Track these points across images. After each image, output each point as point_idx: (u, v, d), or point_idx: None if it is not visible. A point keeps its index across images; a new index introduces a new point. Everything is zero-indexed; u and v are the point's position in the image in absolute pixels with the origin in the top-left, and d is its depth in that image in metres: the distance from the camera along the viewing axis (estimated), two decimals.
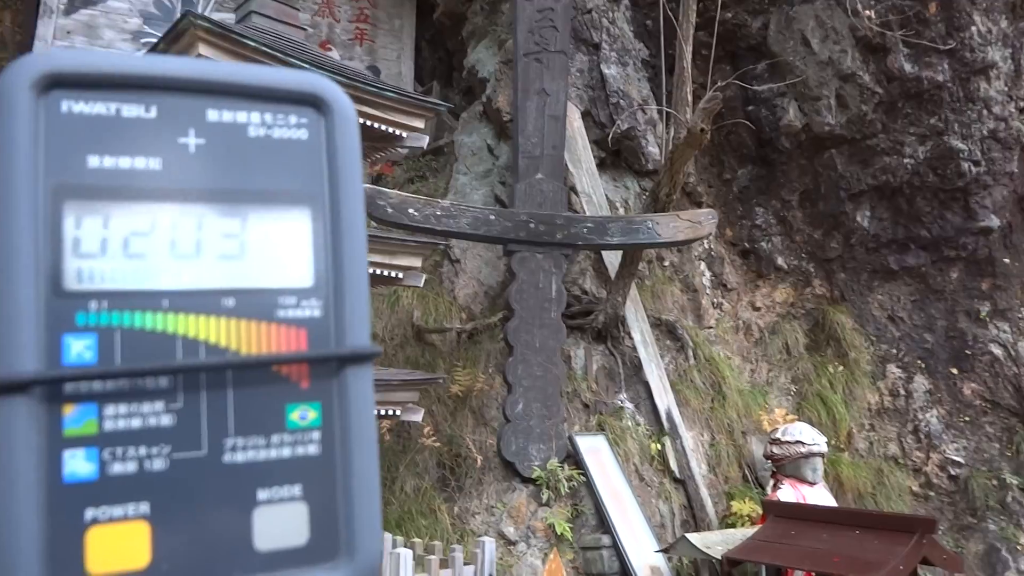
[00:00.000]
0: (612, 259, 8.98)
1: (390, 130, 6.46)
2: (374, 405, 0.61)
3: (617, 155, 9.77)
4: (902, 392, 9.03)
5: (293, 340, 0.59)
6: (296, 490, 0.57)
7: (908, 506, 8.37)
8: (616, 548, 7.29)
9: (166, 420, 0.54)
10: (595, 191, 9.31)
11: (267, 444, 0.57)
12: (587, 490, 7.70)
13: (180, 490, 0.54)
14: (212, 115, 0.59)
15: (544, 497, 7.58)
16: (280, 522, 0.56)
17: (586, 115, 9.51)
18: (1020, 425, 8.61)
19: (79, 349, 0.53)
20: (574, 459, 7.84)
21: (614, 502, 7.59)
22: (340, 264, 0.61)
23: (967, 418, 8.80)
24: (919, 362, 9.03)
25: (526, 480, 7.68)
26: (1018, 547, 7.90)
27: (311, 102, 0.62)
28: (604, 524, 7.48)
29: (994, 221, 8.49)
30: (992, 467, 8.52)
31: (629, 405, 8.53)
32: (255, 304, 0.58)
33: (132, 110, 0.57)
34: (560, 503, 7.66)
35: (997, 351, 8.74)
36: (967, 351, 8.84)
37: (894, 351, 9.14)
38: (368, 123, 6.23)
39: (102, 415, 0.53)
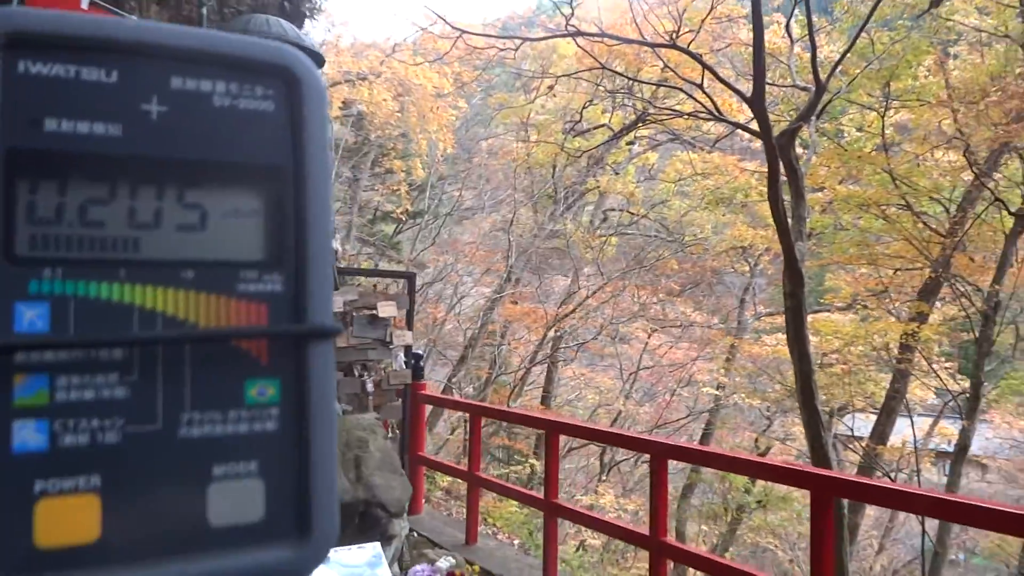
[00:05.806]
0: None
1: None
2: (334, 383, 0.60)
3: None
4: None
5: (253, 315, 0.57)
6: (252, 466, 0.56)
7: None
8: None
9: (120, 393, 0.53)
10: None
11: (224, 419, 0.56)
12: None
13: (133, 464, 0.52)
14: (176, 82, 0.57)
15: None
16: (235, 498, 0.55)
17: None
18: None
19: (31, 317, 0.51)
20: None
21: None
22: (303, 240, 0.59)
23: None
24: None
25: None
26: None
27: (279, 73, 0.60)
28: None
29: None
30: None
31: None
32: (215, 277, 0.57)
33: (92, 73, 0.54)
34: None
35: None
36: None
37: None
38: None
39: (54, 386, 0.51)
